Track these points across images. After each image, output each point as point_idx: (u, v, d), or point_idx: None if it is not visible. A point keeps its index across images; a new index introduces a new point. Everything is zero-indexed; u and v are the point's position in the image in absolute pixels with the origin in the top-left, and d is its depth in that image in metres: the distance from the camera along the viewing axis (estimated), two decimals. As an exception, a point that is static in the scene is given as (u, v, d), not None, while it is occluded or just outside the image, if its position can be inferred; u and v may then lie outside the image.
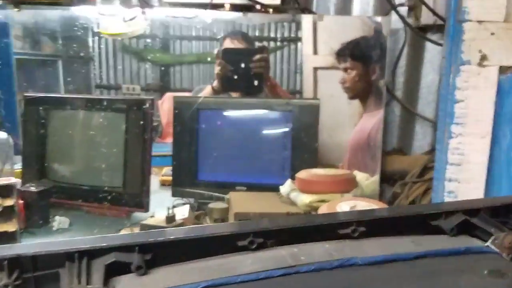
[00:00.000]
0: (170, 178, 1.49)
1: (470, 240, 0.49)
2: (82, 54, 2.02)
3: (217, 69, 1.64)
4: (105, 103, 1.28)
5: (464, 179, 0.95)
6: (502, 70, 0.92)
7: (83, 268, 0.38)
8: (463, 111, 0.93)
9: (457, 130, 0.94)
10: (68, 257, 0.38)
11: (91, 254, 0.39)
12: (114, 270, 0.39)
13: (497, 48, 0.90)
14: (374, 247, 0.45)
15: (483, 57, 0.90)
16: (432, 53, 1.31)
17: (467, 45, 0.90)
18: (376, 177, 1.28)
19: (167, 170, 1.71)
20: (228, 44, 1.90)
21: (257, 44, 1.81)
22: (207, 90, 1.79)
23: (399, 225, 0.49)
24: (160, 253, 0.41)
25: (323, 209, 0.97)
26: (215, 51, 1.68)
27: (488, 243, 0.49)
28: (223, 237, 0.43)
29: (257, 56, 1.58)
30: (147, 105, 1.23)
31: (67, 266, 0.38)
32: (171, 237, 0.41)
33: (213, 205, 1.21)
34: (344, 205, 0.96)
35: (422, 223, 0.50)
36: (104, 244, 0.39)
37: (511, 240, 0.48)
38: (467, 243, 0.49)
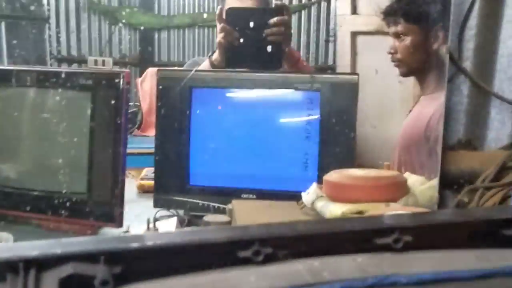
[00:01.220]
0: (152, 182, 1.51)
1: (557, 256, 0.50)
2: (33, 13, 2.04)
3: (219, 36, 1.66)
4: (63, 77, 1.30)
5: (556, 181, 0.95)
6: None
7: (30, 282, 0.40)
8: (556, 87, 0.93)
9: (547, 114, 0.95)
10: (10, 267, 0.40)
11: (41, 264, 0.40)
12: (72, 286, 0.40)
13: None
14: (423, 262, 0.46)
15: None
16: (515, 8, 1.31)
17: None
18: (435, 181, 1.28)
19: (148, 172, 1.74)
20: (234, 2, 1.91)
21: (274, 1, 1.82)
22: (204, 66, 1.81)
23: (459, 234, 0.50)
24: (134, 264, 0.42)
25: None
26: (217, 11, 1.70)
27: None
28: (219, 245, 0.44)
29: (274, 19, 1.59)
30: (121, 79, 1.25)
31: (9, 279, 0.40)
32: (149, 244, 0.43)
33: (210, 218, 1.22)
34: (390, 217, 0.97)
35: (490, 232, 0.51)
36: (59, 251, 0.41)
37: None
38: (553, 259, 0.49)
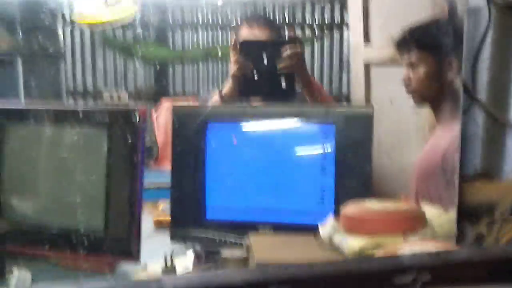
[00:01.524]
0: (168, 217, 1.52)
1: None
2: (49, 50, 2.08)
3: (233, 68, 1.68)
4: (80, 115, 1.32)
5: None
6: None
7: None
8: None
9: None
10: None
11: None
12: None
13: None
14: (443, 302, 0.47)
15: None
16: (529, 39, 1.32)
17: None
18: (453, 213, 1.28)
19: (164, 206, 1.75)
20: (246, 33, 1.94)
21: (286, 33, 1.84)
22: (214, 99, 1.83)
23: (477, 272, 0.50)
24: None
25: (379, 257, 0.98)
26: (231, 42, 1.72)
27: None
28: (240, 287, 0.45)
29: (287, 51, 1.61)
30: (138, 117, 1.26)
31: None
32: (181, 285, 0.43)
33: (227, 253, 1.23)
34: (408, 251, 0.96)
35: (509, 270, 0.51)
36: None
37: None
38: None
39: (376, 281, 0.47)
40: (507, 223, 1.19)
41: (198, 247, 1.42)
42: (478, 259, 0.50)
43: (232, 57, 1.67)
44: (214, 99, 1.84)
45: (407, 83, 1.69)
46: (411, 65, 1.67)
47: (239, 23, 2.04)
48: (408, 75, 1.68)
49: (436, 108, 1.70)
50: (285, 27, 4.97)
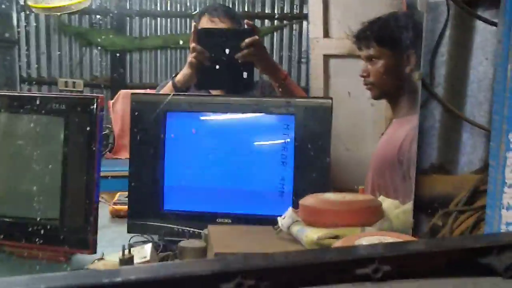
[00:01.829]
0: (125, 207, 1.51)
1: (530, 284, 0.52)
2: (3, 36, 2.04)
3: (190, 56, 1.67)
4: (36, 102, 1.30)
5: (528, 206, 0.97)
6: None
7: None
8: (526, 113, 0.96)
9: (518, 140, 0.97)
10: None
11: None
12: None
13: None
14: (403, 292, 0.48)
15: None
16: (485, 35, 1.34)
17: (530, 24, 0.94)
18: (409, 205, 1.30)
19: (121, 196, 1.73)
20: (206, 23, 1.94)
21: (246, 23, 1.85)
22: (167, 87, 1.82)
23: (436, 263, 0.52)
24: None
25: (336, 248, 0.99)
26: (192, 30, 1.72)
27: (555, 287, 0.51)
28: (201, 278, 0.45)
29: (246, 41, 1.61)
30: (96, 105, 1.25)
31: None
32: (129, 278, 0.43)
33: (185, 243, 1.23)
34: (365, 242, 0.98)
35: (467, 261, 0.52)
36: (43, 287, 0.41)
37: None
38: (527, 287, 0.51)
39: (338, 272, 0.48)
40: (461, 214, 1.22)
41: (155, 238, 1.41)
42: (436, 250, 0.51)
43: (191, 45, 1.67)
44: (168, 86, 1.83)
45: (365, 76, 1.71)
46: (370, 59, 1.68)
47: (199, 12, 2.04)
48: (367, 68, 1.70)
49: (393, 101, 1.72)
50: (245, 17, 4.98)
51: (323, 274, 0.48)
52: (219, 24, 1.92)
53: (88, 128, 1.26)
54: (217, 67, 1.61)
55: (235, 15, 2.08)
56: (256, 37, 1.63)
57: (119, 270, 0.44)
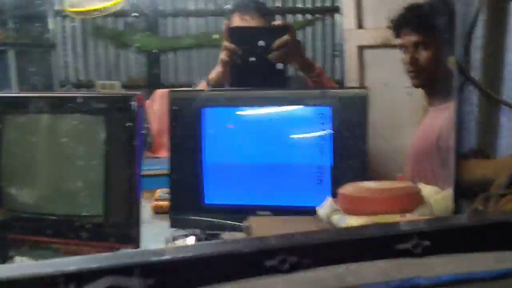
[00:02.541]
0: (167, 203, 1.53)
1: None
2: (41, 41, 2.09)
3: (222, 54, 1.69)
4: (77, 102, 1.33)
5: None
6: None
7: (70, 296, 0.42)
8: None
9: (557, 120, 0.97)
10: (51, 282, 0.43)
11: (80, 278, 0.43)
12: (110, 298, 0.43)
13: None
14: (443, 266, 0.49)
15: None
16: (520, 17, 1.34)
17: None
18: (449, 191, 1.30)
19: (162, 193, 1.77)
20: (237, 21, 1.95)
21: (278, 20, 1.85)
22: (200, 86, 1.84)
23: (478, 238, 0.52)
24: (167, 276, 0.45)
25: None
26: (224, 30, 1.73)
27: None
28: (246, 256, 0.47)
29: (277, 41, 1.62)
30: (135, 102, 1.28)
31: (50, 294, 0.42)
32: (179, 256, 0.45)
33: (227, 236, 1.25)
34: (406, 227, 0.99)
35: (507, 234, 0.53)
36: (95, 266, 0.44)
37: None
38: None
39: (377, 247, 0.49)
40: (502, 198, 1.21)
41: (198, 232, 1.43)
42: (476, 224, 0.52)
43: (224, 43, 1.68)
44: (201, 85, 1.85)
45: (413, 63, 1.67)
46: (416, 46, 1.66)
47: (231, 9, 2.05)
48: (412, 56, 1.67)
49: (430, 89, 1.71)
50: (277, 13, 4.98)
51: (364, 250, 0.50)
52: (250, 22, 1.93)
53: (128, 125, 1.28)
54: (250, 65, 1.62)
55: (267, 11, 2.08)
56: (288, 37, 1.62)
57: (166, 249, 0.46)
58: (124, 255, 0.45)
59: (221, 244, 0.48)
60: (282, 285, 0.45)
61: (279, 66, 1.61)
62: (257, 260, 0.46)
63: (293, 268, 0.46)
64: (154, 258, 0.44)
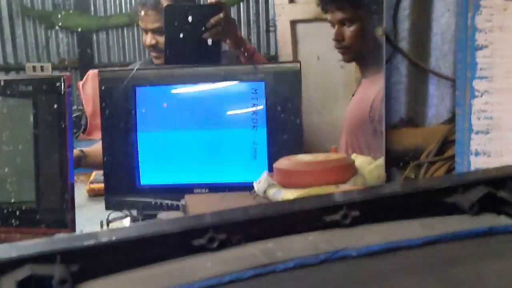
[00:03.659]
0: (102, 185, 1.51)
1: (496, 219, 0.53)
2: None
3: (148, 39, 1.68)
4: (2, 85, 1.29)
5: (495, 151, 0.99)
6: (535, 2, 0.96)
7: (-13, 287, 0.40)
8: (488, 60, 0.97)
9: (482, 87, 0.99)
10: (-34, 274, 0.40)
11: (-1, 268, 0.41)
12: (31, 287, 0.41)
13: (526, -27, 0.95)
14: (372, 235, 0.49)
15: (509, -13, 0.95)
16: (445, -13, 1.36)
17: (487, -29, 0.95)
18: (381, 160, 1.32)
19: (97, 176, 1.73)
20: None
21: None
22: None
23: (403, 206, 0.53)
24: (91, 262, 0.43)
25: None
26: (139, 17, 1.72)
27: (518, 220, 0.52)
28: (174, 236, 0.45)
29: (211, 20, 1.59)
30: (62, 83, 1.24)
31: (-33, 286, 0.40)
32: (104, 240, 0.44)
33: (163, 215, 1.23)
34: (341, 198, 0.99)
35: (433, 201, 0.54)
36: (15, 255, 0.42)
37: (548, 214, 0.52)
38: (492, 222, 0.52)
39: (308, 220, 0.49)
40: (432, 165, 1.24)
41: (134, 212, 1.42)
42: (403, 192, 0.53)
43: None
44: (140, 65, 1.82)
45: (339, 40, 1.68)
46: (343, 22, 1.65)
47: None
48: (340, 32, 1.66)
49: (362, 62, 1.72)
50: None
51: (293, 223, 0.49)
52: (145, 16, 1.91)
53: (56, 107, 1.25)
54: (185, 43, 1.60)
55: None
56: (222, 15, 1.60)
57: (89, 234, 0.44)
58: (45, 242, 0.43)
59: (146, 226, 0.46)
60: (211, 263, 0.44)
61: (213, 43, 1.59)
62: (185, 240, 0.45)
63: (222, 245, 0.46)
64: (77, 244, 0.43)
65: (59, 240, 0.44)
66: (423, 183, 0.60)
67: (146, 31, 1.90)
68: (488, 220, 0.53)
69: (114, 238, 0.44)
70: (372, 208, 0.51)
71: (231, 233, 0.47)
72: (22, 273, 0.41)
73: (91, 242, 0.43)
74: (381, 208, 0.51)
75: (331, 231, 0.49)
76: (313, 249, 0.46)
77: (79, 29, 4.62)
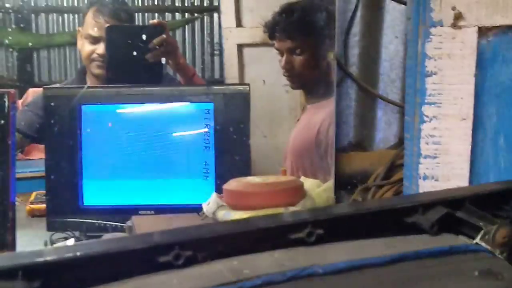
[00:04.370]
0: (42, 206, 1.47)
1: (455, 238, 0.55)
2: None
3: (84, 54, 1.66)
4: None
5: (443, 175, 1.02)
6: (482, 32, 1.00)
7: None
8: (437, 86, 1.00)
9: (431, 112, 1.01)
10: None
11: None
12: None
13: (475, 3, 0.98)
14: (337, 253, 0.49)
15: (458, 16, 0.98)
16: (394, 14, 1.39)
17: (437, 0, 0.98)
18: (330, 183, 1.33)
19: (38, 195, 1.68)
20: (91, 19, 1.88)
21: (154, 19, 1.82)
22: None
23: (366, 225, 0.53)
24: (54, 277, 0.42)
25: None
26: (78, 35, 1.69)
27: (476, 240, 0.54)
28: (139, 252, 0.44)
29: (154, 41, 1.58)
30: (7, 99, 1.21)
31: None
32: (68, 256, 0.42)
33: (109, 236, 1.21)
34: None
35: (394, 220, 0.54)
36: (-28, 271, 0.40)
37: (505, 234, 0.54)
38: (452, 241, 0.54)
39: (273, 237, 0.49)
40: (379, 189, 1.26)
41: (77, 234, 1.38)
42: (366, 211, 0.53)
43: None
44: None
45: (288, 68, 1.67)
46: (291, 51, 1.64)
47: (87, 5, 1.97)
48: (289, 59, 1.65)
49: (308, 88, 1.73)
50: (154, 10, 4.93)
51: (258, 241, 0.49)
52: (105, 23, 1.85)
53: (0, 125, 1.21)
54: (127, 63, 1.59)
55: (124, 15, 1.96)
56: (165, 36, 1.60)
57: (51, 250, 0.43)
58: (6, 257, 0.41)
59: (111, 242, 0.45)
60: (177, 280, 0.43)
61: (155, 64, 1.59)
62: (150, 256, 0.44)
63: (188, 262, 0.45)
64: (39, 259, 0.41)
65: (21, 255, 0.42)
66: (385, 202, 0.61)
67: (96, 39, 1.82)
68: (447, 240, 0.54)
69: (78, 253, 0.43)
70: (336, 226, 0.51)
71: (197, 250, 0.46)
72: (-20, 290, 0.39)
73: (54, 257, 0.42)
74: (345, 226, 0.52)
75: (296, 249, 0.49)
76: (279, 266, 0.46)
77: (20, 47, 4.53)
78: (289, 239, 0.50)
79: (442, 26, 0.99)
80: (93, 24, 1.82)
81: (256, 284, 0.44)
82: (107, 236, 1.22)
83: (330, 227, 0.51)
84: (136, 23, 1.98)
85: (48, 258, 0.42)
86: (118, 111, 1.47)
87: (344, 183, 1.36)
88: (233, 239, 0.48)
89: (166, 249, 0.45)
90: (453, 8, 0.97)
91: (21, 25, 4.54)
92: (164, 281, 0.43)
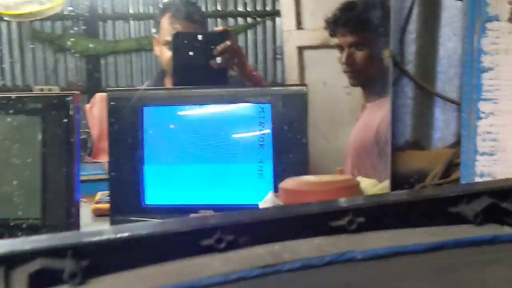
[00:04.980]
0: (107, 205, 1.51)
1: (499, 228, 0.54)
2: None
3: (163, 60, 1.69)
4: (11, 102, 1.30)
5: (500, 172, 1.00)
6: (540, 25, 0.98)
7: (-1, 279, 0.41)
8: (493, 82, 0.98)
9: (487, 108, 1.00)
10: (-21, 266, 0.41)
11: (10, 261, 0.42)
12: (42, 281, 0.42)
13: (532, -3, 0.97)
14: (376, 241, 0.50)
15: (515, 10, 0.97)
16: (452, 11, 1.37)
17: (493, -5, 0.97)
18: (386, 183, 1.33)
19: (102, 196, 1.74)
20: (166, 26, 1.93)
21: (216, 27, 1.85)
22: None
23: (409, 214, 0.54)
24: (101, 258, 0.44)
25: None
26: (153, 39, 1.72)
27: (522, 230, 0.53)
28: (182, 235, 0.46)
29: (218, 48, 1.61)
30: (72, 102, 1.26)
31: (-21, 278, 0.41)
32: (115, 237, 0.45)
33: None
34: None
35: (438, 210, 0.55)
36: (27, 248, 0.43)
37: (551, 225, 0.53)
38: (496, 231, 0.53)
39: (314, 224, 0.50)
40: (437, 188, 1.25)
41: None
42: (409, 201, 0.54)
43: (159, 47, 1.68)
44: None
45: (349, 63, 1.68)
46: (353, 46, 1.66)
47: (161, 11, 2.02)
48: (350, 55, 1.67)
49: (367, 86, 1.73)
50: (216, 16, 5.00)
51: (299, 227, 0.50)
52: (181, 28, 1.90)
53: (64, 124, 1.26)
54: (192, 71, 1.62)
55: (199, 18, 2.01)
56: (229, 43, 1.63)
57: (100, 231, 0.45)
58: (57, 237, 0.44)
59: (157, 225, 0.47)
60: (218, 262, 0.45)
61: (220, 70, 1.62)
62: (193, 239, 0.46)
63: (230, 246, 0.47)
64: (87, 239, 0.44)
65: (70, 235, 0.45)
66: (428, 192, 0.61)
67: None
68: (491, 230, 0.54)
69: (124, 235, 0.45)
70: (377, 214, 0.52)
71: (239, 235, 0.48)
72: (33, 266, 0.42)
73: (101, 238, 0.44)
74: (386, 215, 0.52)
75: (337, 236, 0.50)
76: (319, 251, 0.47)
77: (88, 53, 4.67)
78: (329, 226, 0.51)
79: (498, 20, 0.98)
80: (170, 30, 1.87)
81: (295, 267, 0.45)
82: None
83: (371, 216, 0.52)
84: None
85: (96, 239, 0.44)
86: (179, 112, 1.50)
87: (401, 183, 1.35)
88: (274, 225, 0.49)
89: (208, 233, 0.47)
90: (510, 3, 0.96)
91: (89, 33, 4.68)
92: (205, 263, 0.45)
